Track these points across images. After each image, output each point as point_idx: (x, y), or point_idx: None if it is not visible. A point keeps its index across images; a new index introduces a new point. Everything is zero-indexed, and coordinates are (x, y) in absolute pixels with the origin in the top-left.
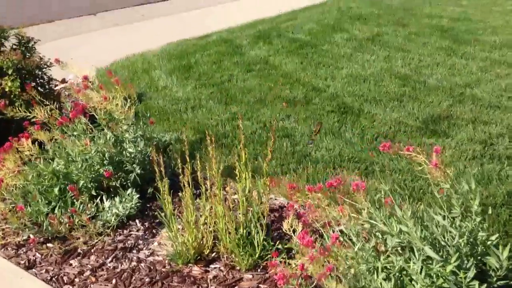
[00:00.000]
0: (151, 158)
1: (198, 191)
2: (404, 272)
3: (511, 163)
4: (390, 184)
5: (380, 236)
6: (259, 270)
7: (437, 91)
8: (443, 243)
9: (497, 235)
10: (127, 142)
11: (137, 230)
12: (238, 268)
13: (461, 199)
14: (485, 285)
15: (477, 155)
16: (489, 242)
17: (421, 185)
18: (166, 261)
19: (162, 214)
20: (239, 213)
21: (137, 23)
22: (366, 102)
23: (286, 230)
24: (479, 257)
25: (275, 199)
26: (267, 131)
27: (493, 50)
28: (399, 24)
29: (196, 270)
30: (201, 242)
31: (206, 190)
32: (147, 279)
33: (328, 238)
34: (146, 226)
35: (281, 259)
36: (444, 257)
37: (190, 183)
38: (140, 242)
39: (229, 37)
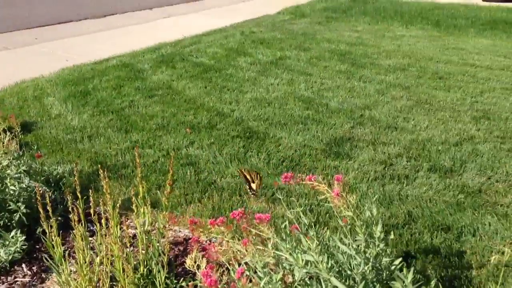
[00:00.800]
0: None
1: (95, 227)
2: None
3: (409, 182)
4: (297, 210)
5: (288, 267)
6: None
7: (339, 114)
8: (349, 271)
9: (400, 259)
10: (9, 179)
11: (24, 276)
12: None
13: (363, 226)
14: None
15: (378, 176)
16: (393, 267)
17: (327, 209)
18: None
19: (54, 257)
20: (140, 250)
21: (28, 47)
22: (271, 126)
23: (189, 267)
24: (385, 282)
25: (180, 231)
26: (170, 159)
27: (387, 73)
28: (301, 48)
29: None
30: (97, 285)
31: (101, 227)
32: None
33: (234, 273)
34: (35, 270)
35: None
36: (350, 286)
37: (83, 220)
38: None
39: (130, 62)
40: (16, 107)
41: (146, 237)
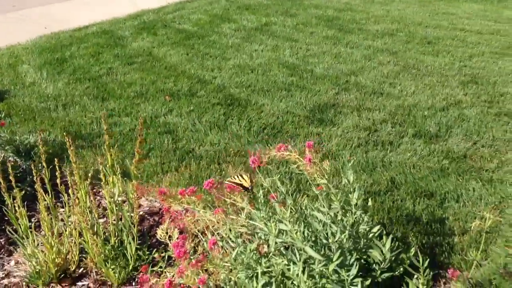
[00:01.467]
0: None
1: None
2: (286, 275)
3: (393, 148)
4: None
5: (263, 237)
6: (134, 284)
7: (323, 80)
8: (325, 241)
9: (378, 226)
10: None
11: None
12: (109, 283)
13: (339, 194)
14: (369, 280)
15: (362, 143)
16: (371, 235)
17: (307, 177)
18: (24, 283)
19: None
20: (110, 221)
21: (6, 14)
22: (253, 93)
23: (160, 237)
24: (363, 251)
25: (155, 201)
26: (148, 127)
27: (375, 39)
28: (287, 14)
29: None
30: (66, 257)
31: (69, 198)
32: None
33: (206, 244)
34: (2, 243)
35: (159, 269)
36: (326, 255)
37: (50, 191)
38: None
39: (111, 29)
40: None
41: (116, 207)
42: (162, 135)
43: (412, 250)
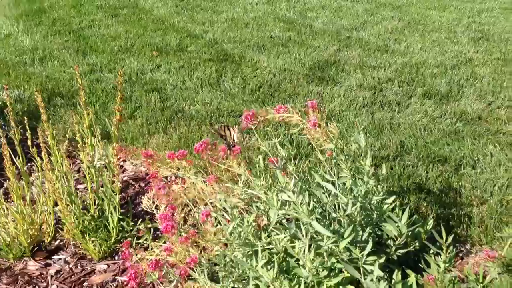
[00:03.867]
0: None
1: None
2: (289, 252)
3: (401, 109)
4: (272, 141)
5: (262, 208)
6: (116, 258)
7: (323, 35)
8: (334, 214)
9: (394, 197)
10: None
11: None
12: (89, 257)
13: (349, 160)
14: (383, 258)
15: (367, 103)
16: (385, 207)
17: (310, 141)
18: None
19: None
20: (88, 189)
21: None
22: (248, 49)
23: (146, 207)
24: (375, 225)
25: (141, 166)
26: (134, 85)
27: None
28: None
29: (32, 265)
30: (40, 228)
31: (43, 162)
32: None
33: (198, 215)
34: None
35: (144, 241)
36: (336, 230)
37: (21, 154)
38: None
39: None
40: None
41: (96, 173)
42: (149, 93)
43: (430, 223)
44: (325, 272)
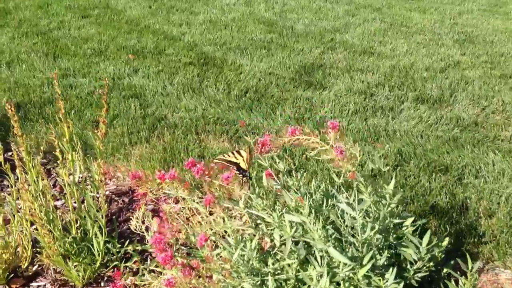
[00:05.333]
0: None
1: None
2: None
3: (395, 115)
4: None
5: (265, 231)
6: (102, 284)
7: (306, 37)
8: (351, 238)
9: (412, 218)
10: None
11: None
12: (72, 284)
13: (369, 184)
14: (402, 283)
15: (359, 109)
16: (404, 229)
17: (302, 149)
18: None
19: None
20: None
21: None
22: (229, 52)
23: (135, 229)
24: (393, 247)
25: (124, 179)
26: (110, 91)
27: None
28: None
29: None
30: (16, 252)
31: (18, 180)
32: None
33: (195, 239)
34: None
35: (132, 265)
36: (354, 257)
37: None
38: None
39: None
40: None
41: (78, 192)
42: (128, 99)
43: (445, 243)
44: None
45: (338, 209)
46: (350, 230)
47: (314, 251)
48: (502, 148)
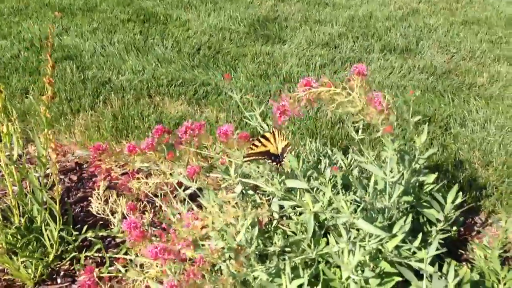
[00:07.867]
0: None
1: None
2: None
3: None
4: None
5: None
6: (59, 280)
7: None
8: (379, 204)
9: (435, 174)
10: None
11: None
12: (20, 283)
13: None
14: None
15: (326, 62)
16: (428, 187)
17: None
18: None
19: None
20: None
21: None
22: (172, 7)
23: (98, 213)
24: (414, 207)
25: (68, 154)
26: (38, 53)
27: None
28: None
29: None
30: None
31: None
32: None
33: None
34: None
35: (94, 254)
36: (383, 227)
37: None
38: None
39: None
40: None
41: (18, 172)
42: (62, 61)
43: (458, 198)
44: (377, 280)
45: (361, 173)
46: (377, 194)
47: (326, 223)
48: (482, 95)
